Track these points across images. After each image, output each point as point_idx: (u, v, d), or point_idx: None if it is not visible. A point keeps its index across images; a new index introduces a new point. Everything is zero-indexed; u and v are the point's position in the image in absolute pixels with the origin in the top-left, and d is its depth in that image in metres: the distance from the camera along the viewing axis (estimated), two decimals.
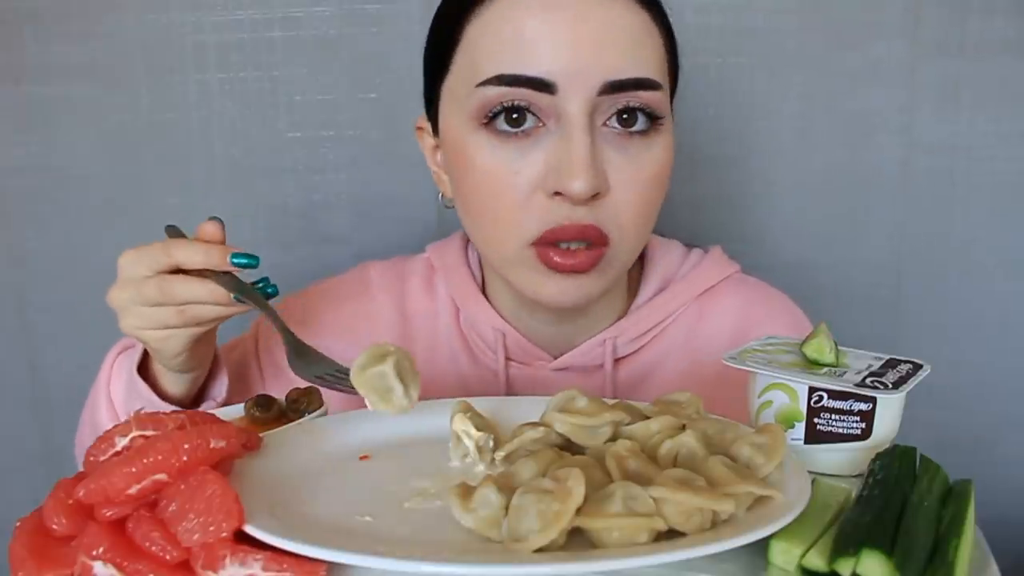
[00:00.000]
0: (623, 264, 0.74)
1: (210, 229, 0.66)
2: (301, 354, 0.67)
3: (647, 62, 0.68)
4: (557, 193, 0.67)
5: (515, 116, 0.68)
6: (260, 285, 0.67)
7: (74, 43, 1.07)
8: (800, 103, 1.09)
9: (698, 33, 1.06)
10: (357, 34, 1.07)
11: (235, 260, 0.64)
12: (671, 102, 0.75)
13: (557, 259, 0.69)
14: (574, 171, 0.66)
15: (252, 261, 0.64)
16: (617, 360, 0.80)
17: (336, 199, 1.12)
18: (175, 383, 0.72)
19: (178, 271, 0.64)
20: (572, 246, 0.69)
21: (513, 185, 0.68)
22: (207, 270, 0.65)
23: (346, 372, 0.61)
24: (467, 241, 0.85)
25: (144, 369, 0.73)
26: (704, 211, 1.12)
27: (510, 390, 0.81)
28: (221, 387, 0.76)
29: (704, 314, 0.82)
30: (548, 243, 0.69)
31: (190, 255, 0.64)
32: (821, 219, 1.12)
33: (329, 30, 1.07)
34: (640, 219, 0.71)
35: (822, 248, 1.12)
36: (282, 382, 0.76)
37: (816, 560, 0.46)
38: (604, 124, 0.68)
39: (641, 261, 0.84)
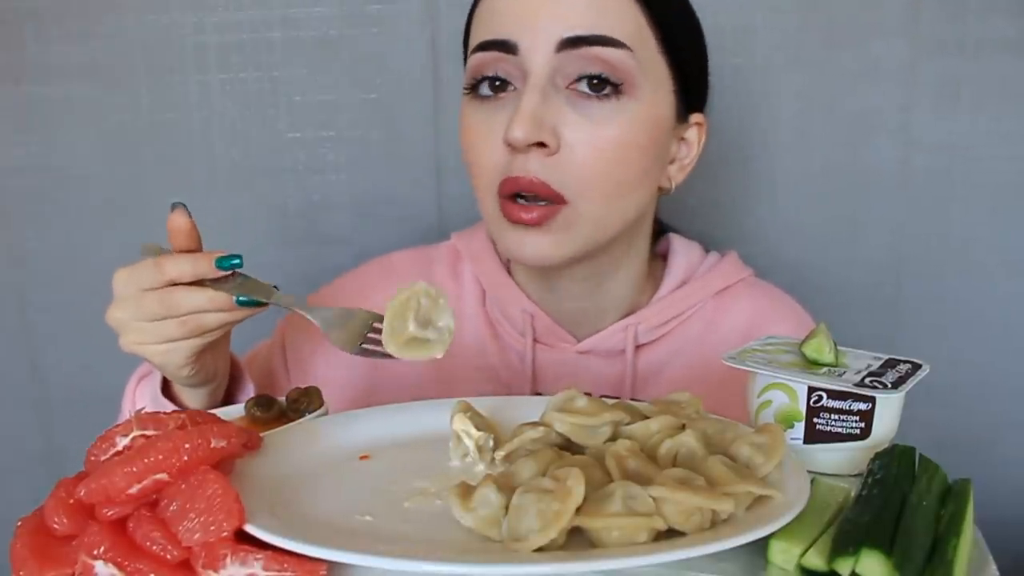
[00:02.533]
0: (591, 227, 0.75)
1: (178, 221, 0.66)
2: (336, 326, 0.66)
3: (609, 21, 0.71)
4: (508, 143, 0.72)
5: (493, 83, 0.74)
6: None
7: (74, 43, 1.07)
8: (799, 102, 1.09)
9: None
10: (357, 34, 1.07)
11: (219, 265, 0.64)
12: (684, 89, 0.77)
13: (514, 211, 0.73)
14: (515, 119, 0.71)
15: (235, 261, 0.65)
16: (638, 347, 0.83)
17: (336, 199, 1.12)
18: (193, 398, 0.73)
19: (173, 285, 0.64)
20: (529, 202, 0.73)
21: (487, 141, 0.74)
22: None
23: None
24: None
25: (166, 391, 0.74)
26: (704, 211, 1.12)
27: (536, 372, 0.83)
28: (248, 395, 0.76)
29: (720, 312, 0.85)
30: (508, 195, 0.73)
31: (180, 268, 0.64)
32: (821, 219, 1.12)
33: (329, 30, 1.07)
34: (602, 181, 0.73)
35: (822, 248, 1.12)
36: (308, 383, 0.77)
37: (815, 559, 0.46)
38: (568, 86, 0.72)
39: (664, 259, 0.88)
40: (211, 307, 0.64)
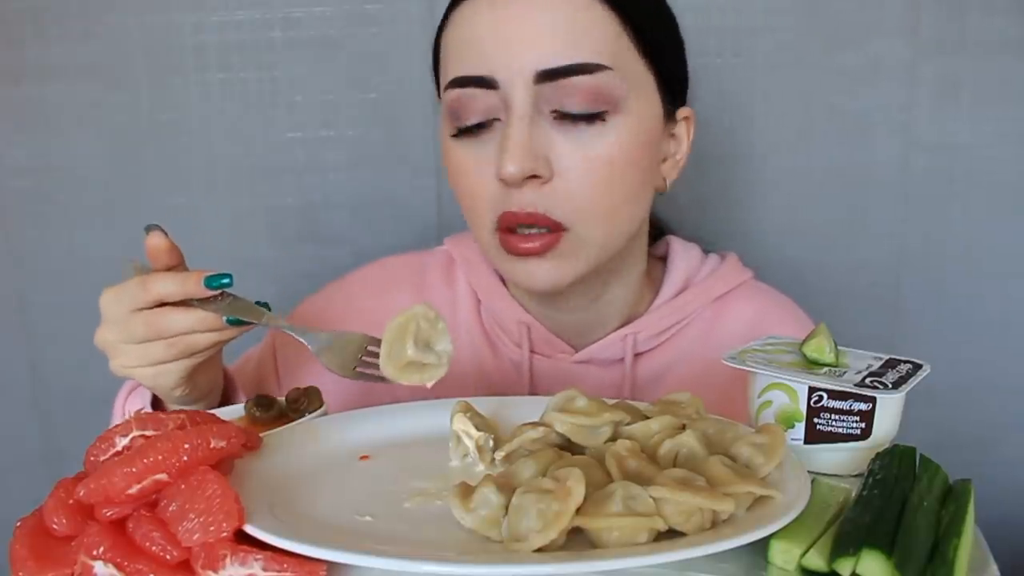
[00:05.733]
0: (597, 248, 0.74)
1: (155, 241, 0.65)
2: (329, 349, 0.65)
3: (586, 44, 0.69)
4: (502, 179, 0.70)
5: (472, 123, 0.72)
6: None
7: (74, 43, 1.07)
8: (799, 102, 1.09)
9: (697, 34, 1.05)
10: (357, 34, 1.07)
11: (208, 284, 0.63)
12: (669, 87, 0.75)
13: (514, 243, 0.72)
14: (505, 154, 0.69)
15: (225, 280, 0.63)
16: (637, 355, 0.82)
17: (336, 199, 1.12)
18: None
19: (161, 304, 0.63)
20: (530, 231, 0.72)
21: (478, 177, 0.73)
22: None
23: (377, 352, 0.61)
24: None
25: (157, 403, 0.73)
26: (704, 211, 1.12)
27: (533, 382, 0.82)
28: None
29: (720, 317, 0.84)
30: (506, 229, 0.72)
31: (167, 287, 0.62)
32: (821, 219, 1.12)
33: (329, 30, 1.07)
34: (599, 204, 0.72)
35: (822, 248, 1.12)
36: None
37: (816, 560, 0.46)
38: (552, 112, 0.70)
39: (663, 262, 0.86)
40: (200, 328, 0.63)
